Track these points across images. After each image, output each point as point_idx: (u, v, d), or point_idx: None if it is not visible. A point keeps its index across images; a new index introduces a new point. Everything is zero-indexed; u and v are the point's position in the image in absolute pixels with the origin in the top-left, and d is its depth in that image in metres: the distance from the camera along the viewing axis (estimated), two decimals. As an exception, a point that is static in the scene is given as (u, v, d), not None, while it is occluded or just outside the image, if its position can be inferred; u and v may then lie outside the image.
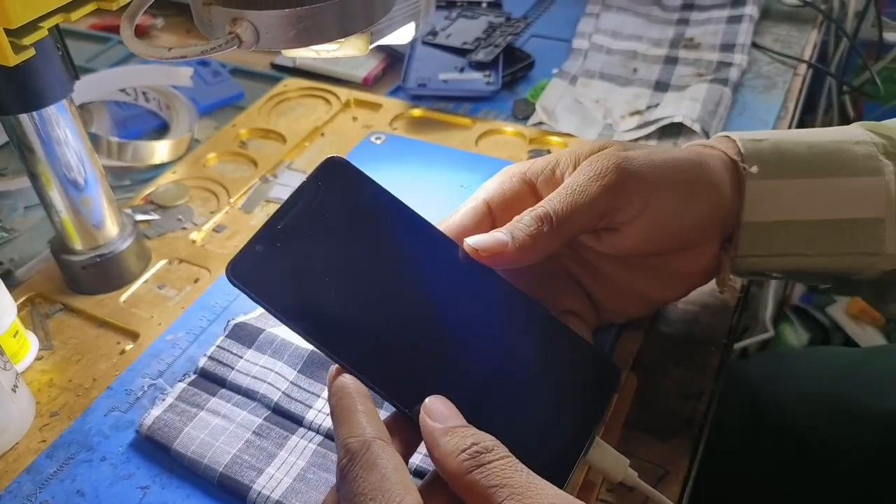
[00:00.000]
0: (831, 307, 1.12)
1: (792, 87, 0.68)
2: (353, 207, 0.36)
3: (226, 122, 0.67)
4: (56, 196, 0.47)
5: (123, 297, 0.50)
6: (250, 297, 0.33)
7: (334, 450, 0.39)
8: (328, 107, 0.68)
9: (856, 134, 0.41)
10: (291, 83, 0.71)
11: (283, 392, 0.42)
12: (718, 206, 0.39)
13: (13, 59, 0.35)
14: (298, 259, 0.34)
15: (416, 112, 0.66)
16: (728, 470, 0.56)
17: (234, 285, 0.33)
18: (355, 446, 0.30)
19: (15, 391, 0.42)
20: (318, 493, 0.37)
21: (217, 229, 0.56)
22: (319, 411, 0.41)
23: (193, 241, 0.55)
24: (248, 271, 0.33)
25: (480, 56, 0.70)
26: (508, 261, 0.36)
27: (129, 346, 0.47)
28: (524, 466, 0.29)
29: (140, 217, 0.56)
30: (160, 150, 0.63)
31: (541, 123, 0.64)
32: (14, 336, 0.45)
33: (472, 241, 0.36)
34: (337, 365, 0.33)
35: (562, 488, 0.29)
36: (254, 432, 0.40)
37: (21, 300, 0.50)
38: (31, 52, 0.36)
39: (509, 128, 0.64)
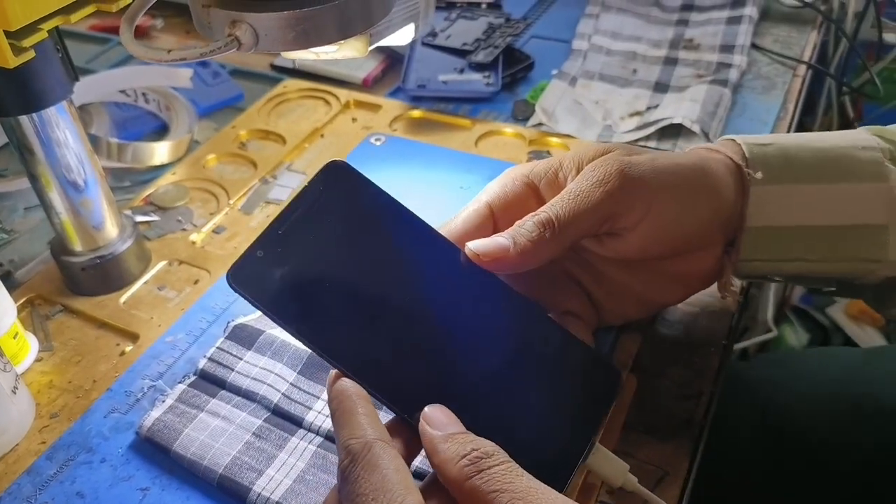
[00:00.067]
0: (831, 308, 1.12)
1: (791, 88, 0.68)
2: (354, 212, 0.35)
3: (225, 124, 0.67)
4: (56, 197, 0.47)
5: (123, 299, 0.50)
6: (251, 303, 0.33)
7: (334, 451, 0.39)
8: (328, 108, 0.68)
9: (862, 139, 0.41)
10: (291, 84, 0.71)
11: (283, 394, 0.42)
12: (721, 210, 0.39)
13: (13, 61, 0.35)
14: (299, 264, 0.34)
15: (416, 113, 0.66)
16: (729, 470, 0.56)
17: (235, 291, 0.33)
18: (357, 448, 0.30)
19: (15, 393, 0.42)
20: (317, 494, 0.37)
21: (217, 231, 0.56)
22: (319, 413, 0.41)
23: (193, 243, 0.55)
24: (248, 277, 0.33)
25: (480, 57, 0.70)
26: (510, 266, 0.36)
27: (128, 348, 0.47)
28: (524, 471, 0.29)
29: (140, 218, 0.56)
30: (160, 152, 0.63)
31: (540, 124, 0.64)
32: (14, 337, 0.45)
33: (473, 246, 0.36)
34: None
35: (561, 492, 0.29)
36: (253, 434, 0.40)
37: (21, 301, 0.50)
38: (31, 54, 0.36)
39: (509, 129, 0.64)
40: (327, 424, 0.40)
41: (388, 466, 0.29)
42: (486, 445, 0.30)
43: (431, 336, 0.34)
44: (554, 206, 0.37)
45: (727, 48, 0.70)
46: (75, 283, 0.51)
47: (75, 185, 0.47)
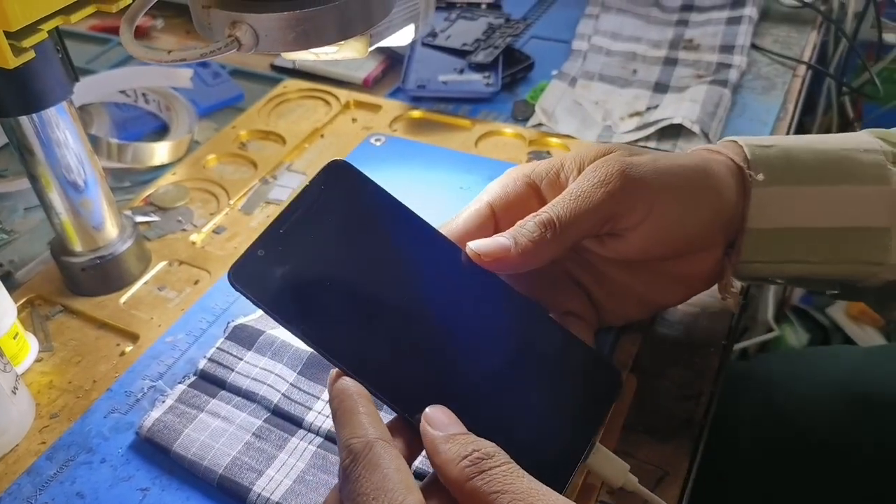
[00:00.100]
0: (831, 308, 1.12)
1: (791, 89, 0.68)
2: (355, 211, 0.36)
3: (225, 124, 0.67)
4: (56, 198, 0.47)
5: (123, 299, 0.50)
6: (252, 302, 0.33)
7: (334, 451, 0.39)
8: (328, 108, 0.68)
9: (865, 142, 0.41)
10: (291, 84, 0.71)
11: (283, 394, 0.42)
12: (722, 212, 0.39)
13: (13, 62, 0.35)
14: (300, 263, 0.34)
15: (416, 113, 0.66)
16: (729, 470, 0.56)
17: (237, 289, 0.33)
18: (358, 447, 0.30)
19: (15, 393, 0.42)
20: (317, 494, 0.37)
21: (217, 231, 0.56)
22: (319, 413, 0.41)
23: (193, 243, 0.55)
24: (250, 276, 0.33)
25: (480, 57, 0.70)
26: (511, 266, 0.36)
27: (128, 348, 0.47)
28: (525, 472, 0.29)
29: (140, 219, 0.56)
30: (160, 152, 0.63)
31: (540, 125, 0.64)
32: (14, 338, 0.45)
33: (474, 246, 0.36)
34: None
35: (561, 493, 0.29)
36: (253, 434, 0.40)
37: (21, 302, 0.50)
38: (31, 55, 0.36)
39: (509, 129, 0.64)
40: (327, 425, 0.40)
41: (389, 466, 0.29)
42: (487, 446, 0.30)
43: (432, 336, 0.34)
44: (555, 207, 0.37)
45: (727, 48, 0.70)
46: (75, 283, 0.51)
47: (75, 186, 0.47)
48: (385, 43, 0.51)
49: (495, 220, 0.39)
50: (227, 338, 0.45)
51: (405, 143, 0.63)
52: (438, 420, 0.31)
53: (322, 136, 0.65)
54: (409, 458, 0.32)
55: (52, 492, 0.39)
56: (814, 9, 0.78)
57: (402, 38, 0.53)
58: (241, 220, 0.57)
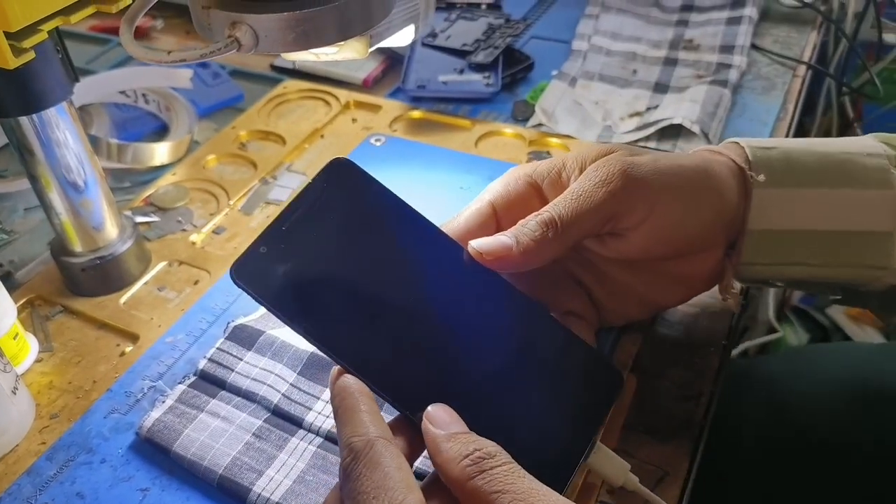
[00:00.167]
0: (831, 308, 1.12)
1: (791, 89, 0.68)
2: (357, 209, 0.36)
3: (225, 124, 0.67)
4: (56, 198, 0.47)
5: (123, 299, 0.50)
6: (254, 298, 0.33)
7: (334, 451, 0.39)
8: (328, 108, 0.68)
9: (868, 145, 0.41)
10: (291, 85, 0.71)
11: (283, 394, 0.42)
12: (723, 212, 0.39)
13: (13, 62, 0.35)
14: (302, 261, 0.34)
15: (416, 114, 0.66)
16: (729, 470, 0.56)
17: (238, 286, 0.33)
18: (359, 445, 0.30)
19: (15, 393, 0.42)
20: (317, 494, 0.37)
21: (217, 231, 0.56)
22: (319, 413, 0.41)
23: (193, 243, 0.55)
24: (252, 272, 0.33)
25: (480, 58, 0.70)
26: (512, 265, 0.36)
27: (128, 348, 0.47)
28: (526, 472, 0.29)
29: (140, 219, 0.56)
30: (160, 152, 0.63)
31: (540, 125, 0.64)
32: (14, 338, 0.45)
33: (476, 244, 0.36)
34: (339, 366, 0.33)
35: (561, 493, 0.29)
36: (253, 434, 0.40)
37: (21, 302, 0.50)
38: (31, 55, 0.36)
39: (509, 129, 0.64)
40: (327, 425, 0.40)
41: (390, 464, 0.29)
42: (489, 446, 0.30)
43: (433, 334, 0.34)
44: (557, 206, 0.37)
45: (727, 49, 0.70)
46: (75, 283, 0.51)
47: (75, 186, 0.47)
48: (385, 43, 0.51)
49: (497, 219, 0.39)
50: (227, 338, 0.45)
51: (405, 143, 0.63)
52: (440, 418, 0.31)
53: (322, 136, 0.65)
54: (411, 457, 0.32)
55: (52, 492, 0.39)
56: (814, 9, 0.78)
57: (402, 38, 0.53)
58: (241, 221, 0.57)
